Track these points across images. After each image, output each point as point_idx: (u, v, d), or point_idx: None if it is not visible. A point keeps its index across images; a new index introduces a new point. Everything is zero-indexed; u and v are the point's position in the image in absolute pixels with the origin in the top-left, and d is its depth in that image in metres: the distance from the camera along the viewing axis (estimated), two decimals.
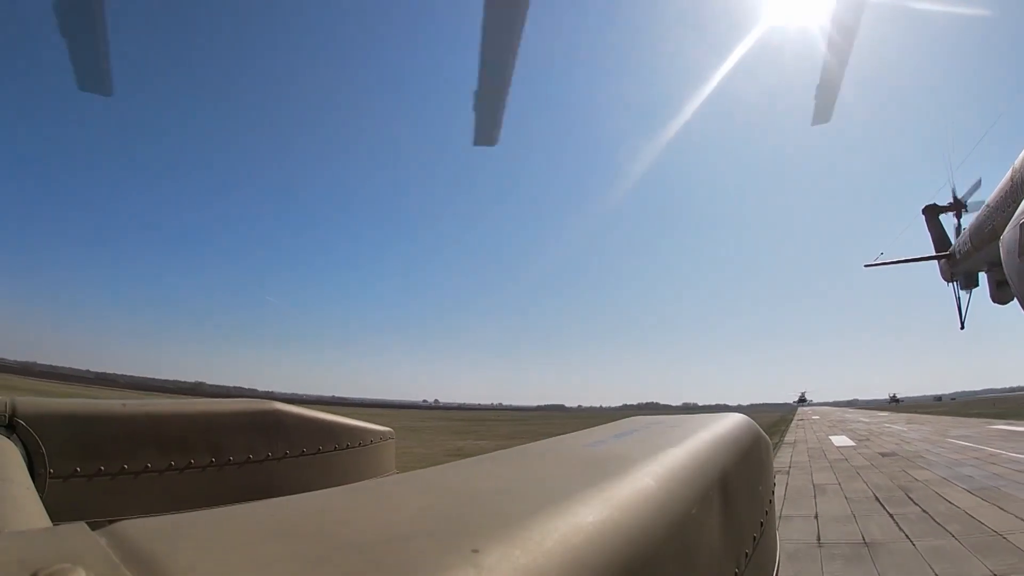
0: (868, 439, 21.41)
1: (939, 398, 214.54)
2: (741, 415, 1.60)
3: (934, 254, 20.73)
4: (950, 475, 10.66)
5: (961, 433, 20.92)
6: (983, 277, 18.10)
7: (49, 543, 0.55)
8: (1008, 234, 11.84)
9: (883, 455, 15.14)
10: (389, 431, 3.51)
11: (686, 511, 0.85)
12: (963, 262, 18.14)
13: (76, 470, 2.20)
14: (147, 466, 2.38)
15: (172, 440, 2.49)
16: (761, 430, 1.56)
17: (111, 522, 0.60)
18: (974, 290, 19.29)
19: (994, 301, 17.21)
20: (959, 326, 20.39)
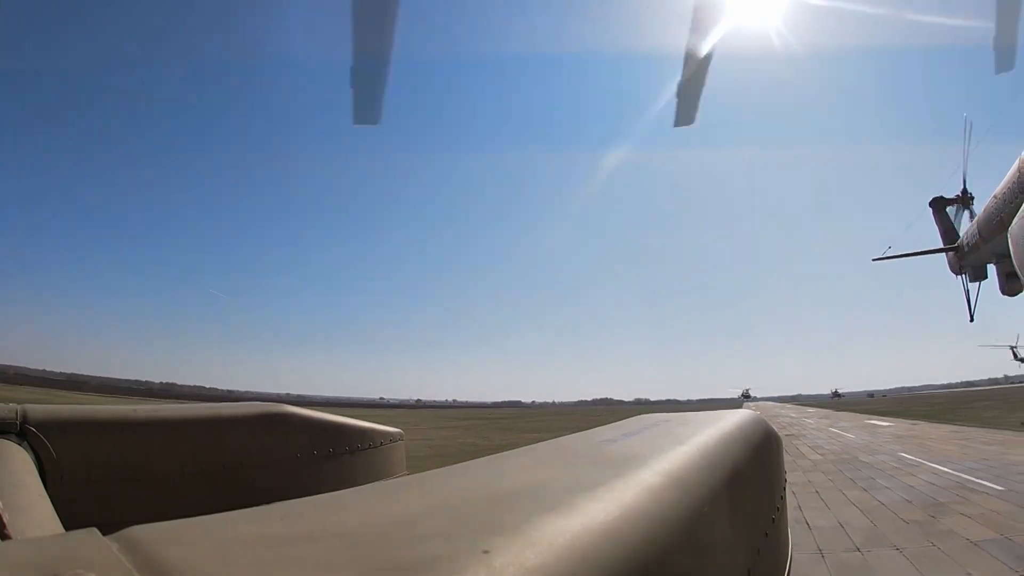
0: (784, 428, 32.37)
1: (871, 395, 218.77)
2: (751, 411, 1.59)
3: (942, 247, 20.55)
4: (810, 442, 23.27)
5: (842, 425, 33.81)
6: (992, 269, 17.93)
7: (61, 549, 0.55)
8: (1017, 225, 11.73)
9: (786, 436, 24.99)
10: (399, 432, 3.51)
11: (697, 509, 0.85)
12: (971, 254, 17.99)
13: (88, 476, 2.21)
14: (158, 471, 2.39)
15: (183, 445, 2.50)
16: (771, 426, 1.55)
17: (122, 527, 0.60)
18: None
19: (1003, 293, 17.04)
20: (968, 318, 20.21)
